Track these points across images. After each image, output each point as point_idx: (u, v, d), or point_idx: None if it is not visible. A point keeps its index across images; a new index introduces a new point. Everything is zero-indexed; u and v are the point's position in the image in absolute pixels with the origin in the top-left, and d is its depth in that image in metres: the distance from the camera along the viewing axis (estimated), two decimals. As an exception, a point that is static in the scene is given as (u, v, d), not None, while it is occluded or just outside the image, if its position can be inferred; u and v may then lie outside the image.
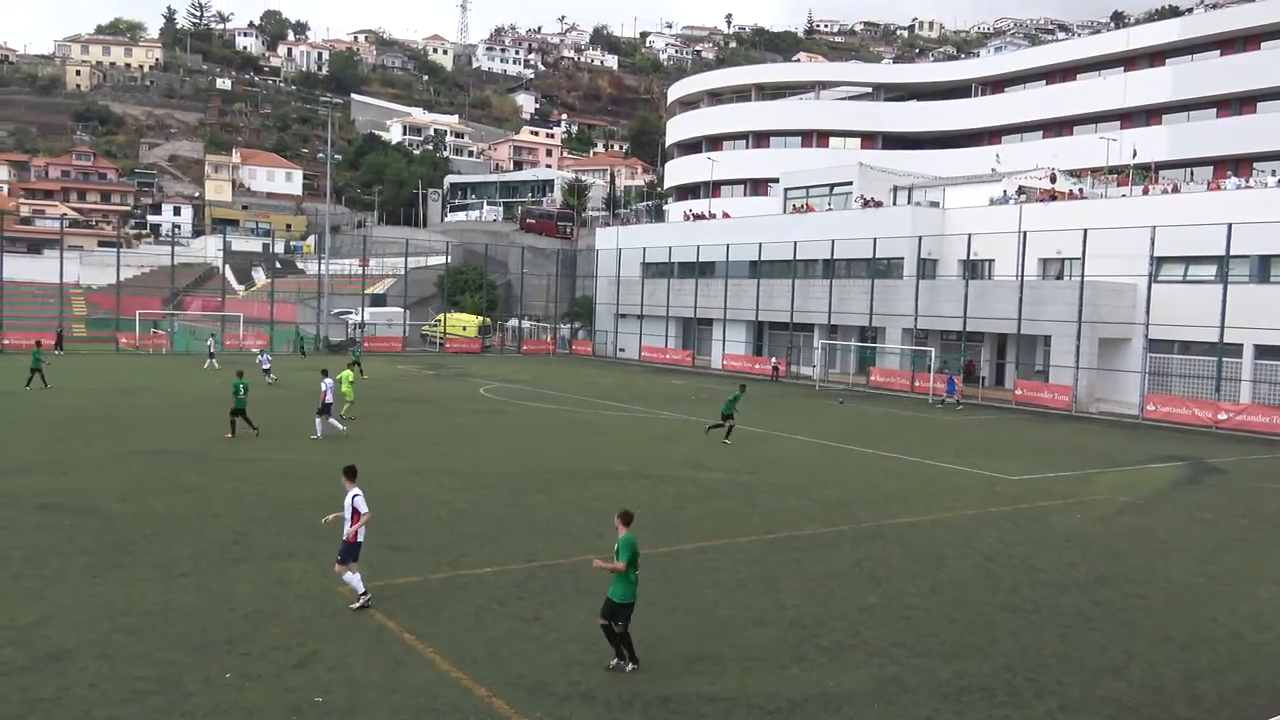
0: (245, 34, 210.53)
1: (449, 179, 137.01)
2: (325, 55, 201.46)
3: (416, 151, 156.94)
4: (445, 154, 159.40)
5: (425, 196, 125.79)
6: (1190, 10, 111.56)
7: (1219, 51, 64.12)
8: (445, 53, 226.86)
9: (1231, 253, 39.40)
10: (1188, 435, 36.71)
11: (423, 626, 12.26)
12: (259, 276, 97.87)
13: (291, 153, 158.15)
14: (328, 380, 28.08)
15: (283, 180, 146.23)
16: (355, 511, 12.89)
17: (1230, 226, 38.95)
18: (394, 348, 66.94)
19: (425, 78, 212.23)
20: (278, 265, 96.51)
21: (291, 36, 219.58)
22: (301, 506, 18.77)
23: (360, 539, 12.98)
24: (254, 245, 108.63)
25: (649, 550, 16.43)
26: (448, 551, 15.94)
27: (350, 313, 70.61)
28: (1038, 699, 10.82)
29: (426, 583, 14.17)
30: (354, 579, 12.93)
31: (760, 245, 59.33)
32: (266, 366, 42.18)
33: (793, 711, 10.24)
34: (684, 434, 31.64)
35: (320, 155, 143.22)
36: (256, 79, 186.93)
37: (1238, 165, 59.09)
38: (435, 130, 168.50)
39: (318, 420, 27.66)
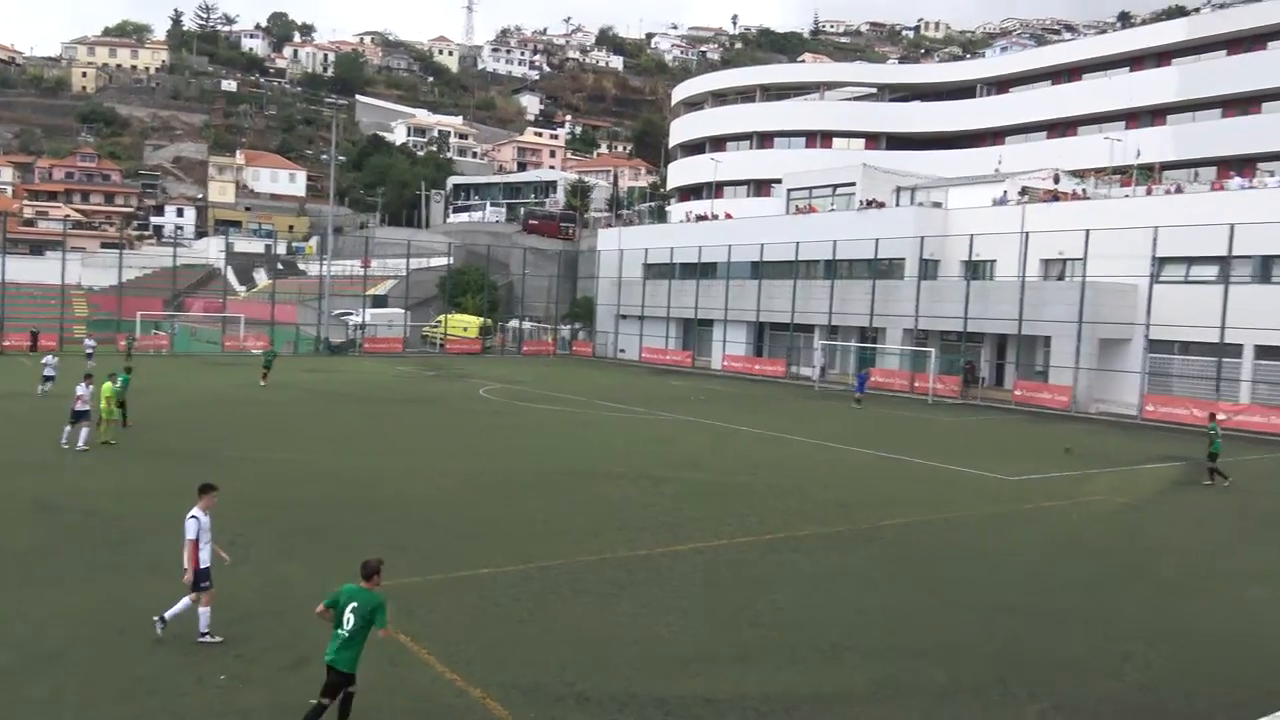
0: (251, 36, 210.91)
1: (452, 180, 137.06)
2: (330, 57, 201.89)
3: (420, 153, 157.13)
4: (449, 155, 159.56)
5: (428, 198, 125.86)
6: (1197, 10, 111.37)
7: (1225, 51, 63.94)
8: (450, 54, 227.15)
9: (1234, 253, 39.36)
10: (1186, 435, 36.57)
11: (419, 627, 12.25)
12: (260, 278, 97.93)
13: (295, 154, 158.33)
14: (83, 386, 24.91)
15: (286, 181, 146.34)
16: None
17: (1233, 227, 38.92)
18: (395, 349, 67.04)
19: (430, 79, 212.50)
20: (279, 266, 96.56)
21: (297, 38, 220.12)
22: (299, 507, 18.81)
23: (202, 564, 11.68)
24: (256, 246, 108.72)
25: (648, 550, 16.48)
26: (445, 552, 15.96)
27: (351, 314, 70.66)
28: (1032, 699, 10.81)
29: (424, 583, 14.17)
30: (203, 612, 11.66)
31: (762, 246, 59.34)
32: (50, 374, 35.24)
33: (788, 713, 10.23)
34: (683, 435, 31.63)
35: (324, 156, 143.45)
36: (262, 80, 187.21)
37: (1242, 166, 58.89)
38: (439, 131, 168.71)
39: (68, 428, 24.53)
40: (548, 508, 19.58)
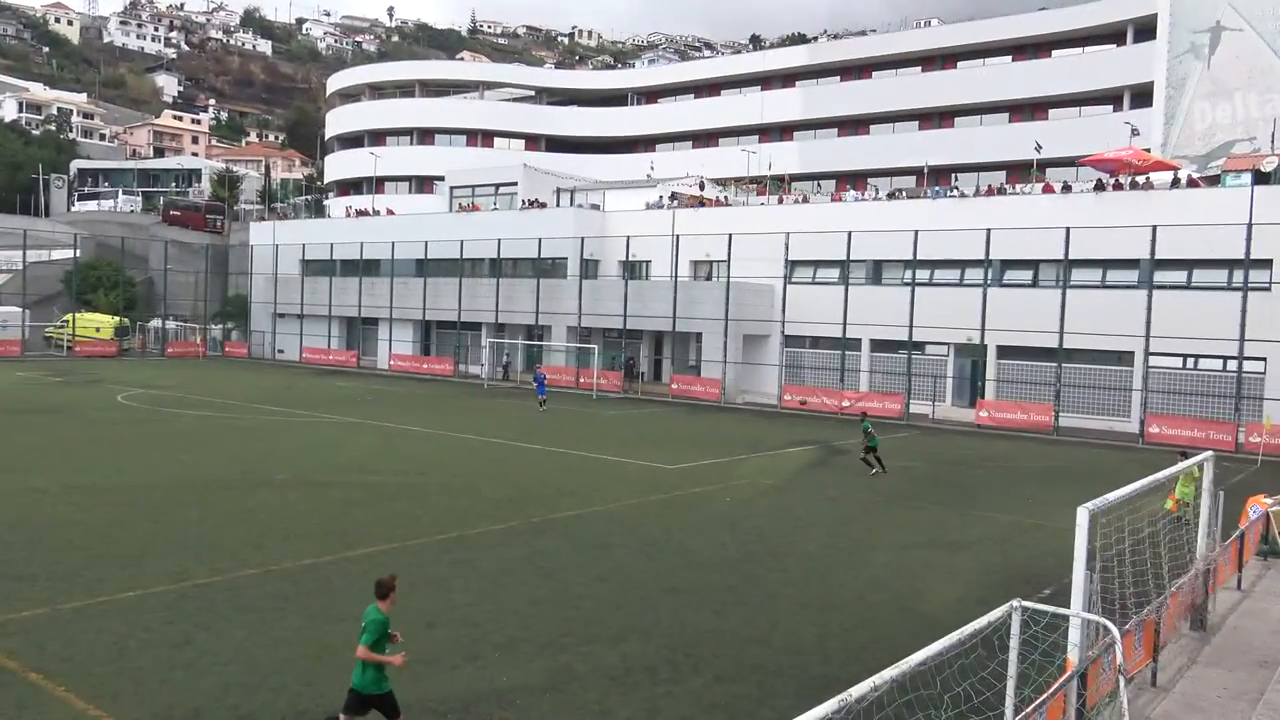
0: None
1: (77, 164, 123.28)
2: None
3: (36, 132, 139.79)
4: (71, 136, 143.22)
5: (48, 183, 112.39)
6: (816, 38, 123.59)
7: (839, 78, 71.54)
8: (71, 24, 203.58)
9: (851, 257, 44.32)
10: (818, 421, 40.76)
11: (53, 664, 11.03)
12: None
13: None
14: None
15: None
16: None
17: (850, 234, 43.75)
18: (11, 352, 59.37)
19: (46, 50, 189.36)
20: None
21: None
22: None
23: None
24: None
25: (314, 560, 15.88)
26: (82, 577, 14.43)
27: (-48, 314, 61.70)
28: (695, 673, 11.61)
29: (57, 614, 12.76)
30: None
31: (426, 244, 58.73)
32: None
33: (466, 711, 10.32)
34: (350, 437, 30.66)
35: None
36: None
37: (855, 179, 66.28)
38: (59, 109, 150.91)
39: None
40: (201, 521, 18.28)
